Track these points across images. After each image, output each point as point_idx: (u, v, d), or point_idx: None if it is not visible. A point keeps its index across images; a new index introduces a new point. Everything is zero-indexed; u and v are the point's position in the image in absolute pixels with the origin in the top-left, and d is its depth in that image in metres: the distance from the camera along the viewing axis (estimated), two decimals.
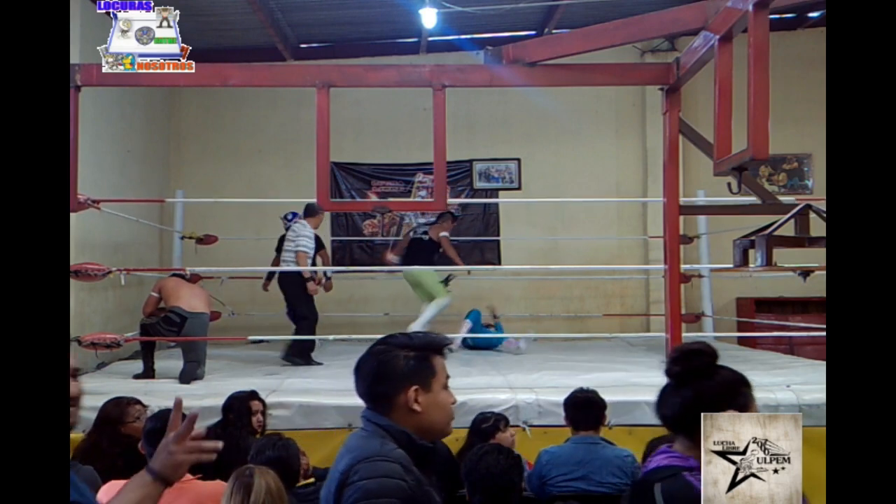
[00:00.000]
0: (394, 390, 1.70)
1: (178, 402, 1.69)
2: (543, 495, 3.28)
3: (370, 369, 1.74)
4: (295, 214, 6.65)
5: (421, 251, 6.96)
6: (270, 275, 6.95)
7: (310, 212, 6.37)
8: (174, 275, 6.02)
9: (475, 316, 7.07)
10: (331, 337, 6.20)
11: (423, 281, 6.87)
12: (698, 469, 1.56)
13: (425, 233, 7.15)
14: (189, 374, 5.23)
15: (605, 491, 3.21)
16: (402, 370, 1.71)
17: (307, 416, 4.32)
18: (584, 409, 3.51)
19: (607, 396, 3.64)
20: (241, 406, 3.69)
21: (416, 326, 6.45)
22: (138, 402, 3.65)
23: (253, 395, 3.82)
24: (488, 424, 3.60)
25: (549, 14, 7.70)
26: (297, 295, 6.24)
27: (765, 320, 7.79)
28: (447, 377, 1.77)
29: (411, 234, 7.32)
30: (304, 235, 6.19)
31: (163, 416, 2.94)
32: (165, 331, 5.38)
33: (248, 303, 7.79)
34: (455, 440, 3.93)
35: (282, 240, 6.82)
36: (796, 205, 3.16)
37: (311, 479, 2.97)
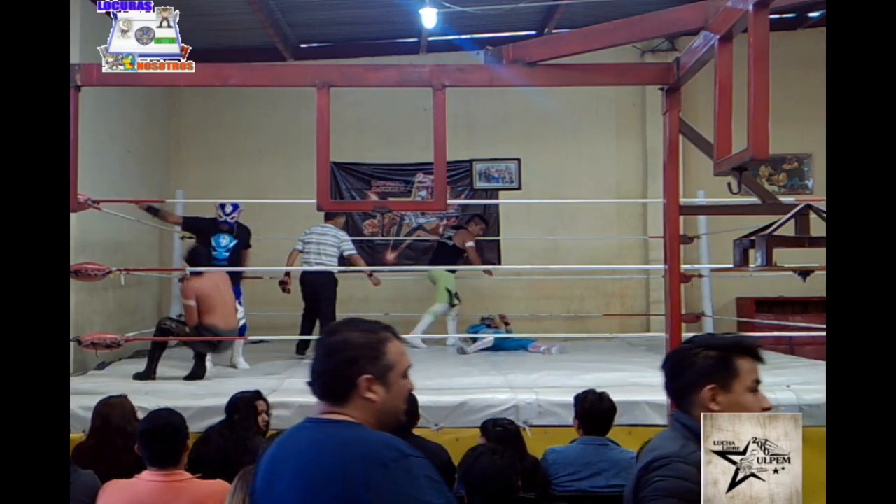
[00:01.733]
0: (690, 388, 1.72)
1: None
2: (546, 495, 3.27)
3: (668, 366, 1.80)
4: (235, 207, 6.39)
5: (444, 255, 7.39)
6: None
7: (331, 214, 6.71)
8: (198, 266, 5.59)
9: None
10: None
11: (437, 282, 7.26)
12: None
13: (450, 238, 7.55)
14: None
15: (612, 492, 3.20)
16: (699, 368, 1.72)
17: None
18: (599, 419, 3.48)
19: None
20: (246, 406, 3.70)
21: (416, 333, 6.94)
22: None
23: (257, 394, 3.83)
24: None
25: (549, 14, 7.69)
26: (332, 297, 6.59)
27: (765, 320, 7.78)
28: (756, 381, 1.72)
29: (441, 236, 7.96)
30: (346, 240, 6.71)
31: (155, 418, 2.94)
32: (199, 345, 5.34)
33: (247, 303, 7.77)
34: (455, 440, 3.94)
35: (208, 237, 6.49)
36: (796, 205, 3.15)
37: None
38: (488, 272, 7.75)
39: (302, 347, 6.52)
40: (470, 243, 7.35)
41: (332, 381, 1.59)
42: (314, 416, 1.60)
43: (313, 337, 6.19)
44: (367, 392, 1.56)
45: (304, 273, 6.58)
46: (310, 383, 1.62)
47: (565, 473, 3.27)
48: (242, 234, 6.44)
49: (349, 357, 1.58)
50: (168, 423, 2.86)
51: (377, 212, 8.11)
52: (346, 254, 6.71)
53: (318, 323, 6.57)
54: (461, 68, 4.09)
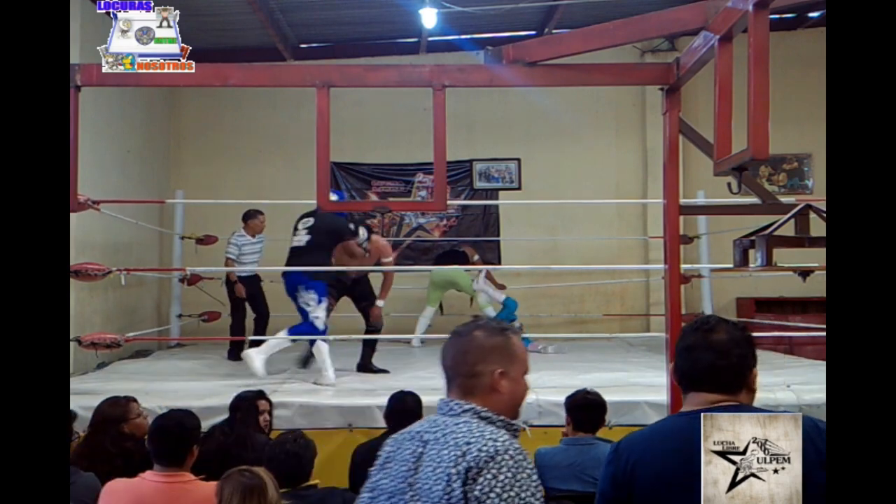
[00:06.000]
0: None
1: None
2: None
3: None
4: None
5: (455, 259, 7.65)
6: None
7: (244, 218, 6.86)
8: None
9: (511, 304, 7.43)
10: (331, 337, 6.21)
11: (457, 280, 7.50)
12: None
13: (458, 245, 8.08)
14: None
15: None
16: None
17: (307, 416, 4.31)
18: (587, 411, 3.49)
19: (607, 396, 3.64)
20: (248, 406, 3.71)
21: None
22: (134, 399, 3.64)
23: (260, 394, 3.84)
24: None
25: (549, 14, 7.69)
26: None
27: (765, 320, 7.78)
28: None
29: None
30: (229, 243, 6.78)
31: (169, 416, 2.95)
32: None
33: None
34: None
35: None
36: (796, 205, 3.15)
37: (316, 482, 2.97)
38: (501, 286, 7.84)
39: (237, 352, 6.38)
40: (477, 257, 7.81)
41: (733, 373, 1.74)
42: (714, 405, 1.69)
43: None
44: (754, 383, 1.76)
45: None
46: (694, 375, 1.76)
47: (553, 475, 3.27)
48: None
49: (744, 352, 1.76)
50: (179, 422, 2.86)
51: (377, 212, 8.10)
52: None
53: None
54: (461, 68, 4.09)
